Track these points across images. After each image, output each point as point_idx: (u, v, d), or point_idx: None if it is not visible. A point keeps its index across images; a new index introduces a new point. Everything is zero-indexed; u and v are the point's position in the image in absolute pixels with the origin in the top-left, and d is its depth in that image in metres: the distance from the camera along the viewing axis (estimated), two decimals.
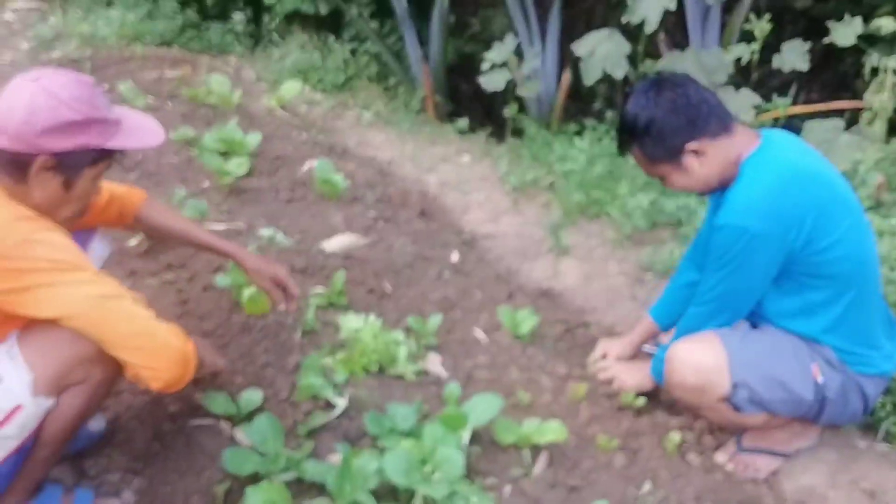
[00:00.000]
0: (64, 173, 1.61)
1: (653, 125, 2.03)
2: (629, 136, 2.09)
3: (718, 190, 2.12)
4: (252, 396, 2.17)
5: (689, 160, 2.05)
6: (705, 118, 2.02)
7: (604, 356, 2.56)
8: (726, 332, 2.11)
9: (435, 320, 2.55)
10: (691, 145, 2.03)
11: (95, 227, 2.05)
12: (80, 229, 2.03)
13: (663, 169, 2.11)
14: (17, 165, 1.57)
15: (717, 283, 2.08)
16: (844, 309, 2.04)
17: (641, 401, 2.37)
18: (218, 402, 2.12)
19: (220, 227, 3.02)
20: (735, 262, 2.00)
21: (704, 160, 2.05)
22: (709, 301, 2.13)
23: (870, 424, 2.36)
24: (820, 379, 2.05)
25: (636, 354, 2.56)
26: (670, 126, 2.02)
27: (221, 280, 2.60)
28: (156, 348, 1.62)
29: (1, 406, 1.58)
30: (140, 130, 1.71)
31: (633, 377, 2.42)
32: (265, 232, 2.98)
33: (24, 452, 1.70)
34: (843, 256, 2.00)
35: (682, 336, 2.19)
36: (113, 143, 1.64)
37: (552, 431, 2.08)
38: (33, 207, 1.61)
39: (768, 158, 2.02)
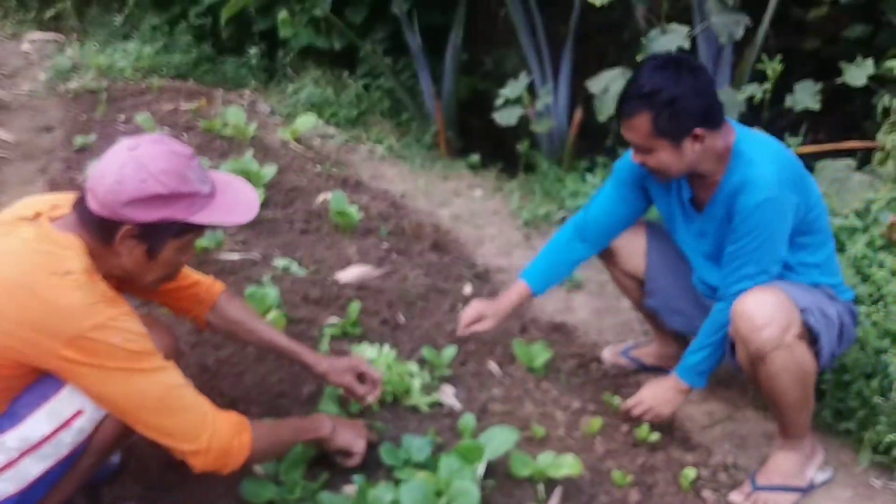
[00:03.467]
0: (147, 242, 1.63)
1: (676, 102, 2.09)
2: (645, 103, 2.11)
3: (685, 176, 2.29)
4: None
5: (689, 144, 2.15)
6: (717, 109, 2.17)
7: (478, 319, 2.53)
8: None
9: (449, 352, 2.55)
10: (698, 130, 2.13)
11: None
12: (149, 299, 2.08)
13: (660, 144, 2.16)
14: (105, 229, 1.60)
15: (760, 255, 2.18)
16: (828, 253, 2.33)
17: (656, 436, 2.36)
18: None
19: (236, 256, 3.04)
20: (770, 231, 2.16)
21: (700, 147, 2.16)
22: (754, 275, 2.19)
23: (885, 464, 2.35)
24: (832, 309, 2.24)
25: (508, 314, 2.59)
26: (691, 107, 2.11)
27: None
28: (200, 441, 1.64)
29: (63, 410, 1.62)
30: (232, 205, 1.70)
31: (667, 403, 2.38)
32: (280, 262, 3.00)
33: (68, 463, 1.71)
34: (822, 211, 2.29)
35: (719, 321, 2.25)
36: (197, 219, 1.64)
37: (567, 465, 2.07)
38: (119, 269, 1.66)
39: (758, 140, 2.23)
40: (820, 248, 2.31)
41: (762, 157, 2.16)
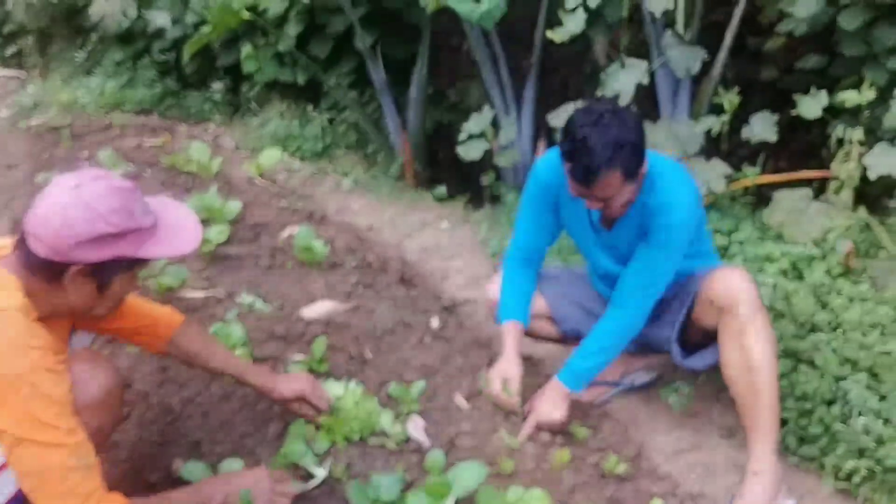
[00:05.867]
0: (97, 279, 1.64)
1: (635, 146, 2.20)
2: (612, 162, 2.16)
3: None
4: (232, 466, 2.15)
5: (639, 176, 2.27)
6: None
7: (504, 383, 2.54)
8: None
9: (417, 387, 2.55)
10: (645, 162, 2.26)
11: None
12: (107, 333, 2.07)
13: (627, 188, 2.27)
14: (53, 270, 1.59)
15: (666, 267, 2.40)
16: (709, 245, 2.65)
17: (624, 467, 2.37)
18: (197, 473, 2.09)
19: (200, 294, 3.02)
20: (677, 250, 2.38)
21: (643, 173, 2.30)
22: (651, 284, 2.42)
23: (847, 490, 2.38)
24: None
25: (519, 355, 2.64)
26: (642, 143, 2.23)
27: None
28: None
29: None
30: (175, 234, 1.70)
31: (556, 410, 2.48)
32: (245, 299, 2.99)
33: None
34: (704, 220, 2.56)
35: (611, 330, 2.49)
36: (145, 253, 1.65)
37: (535, 500, 2.07)
38: (65, 306, 1.64)
39: (667, 163, 2.41)
40: (705, 242, 2.63)
41: (678, 180, 2.35)
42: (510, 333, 2.63)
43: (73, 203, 1.55)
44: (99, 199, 1.57)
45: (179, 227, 1.73)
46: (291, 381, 2.25)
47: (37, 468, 1.55)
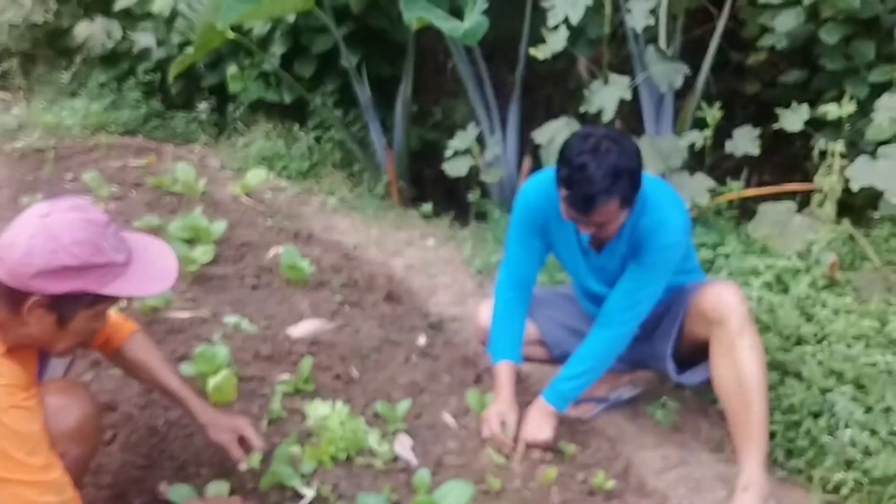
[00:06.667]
0: (57, 312, 1.59)
1: (633, 173, 2.20)
2: (610, 191, 2.16)
3: None
4: (218, 488, 2.12)
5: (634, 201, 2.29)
6: None
7: (502, 425, 2.50)
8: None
9: (404, 405, 2.54)
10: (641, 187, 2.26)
11: None
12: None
13: (623, 214, 2.28)
14: (13, 298, 1.55)
15: (654, 288, 2.41)
16: (695, 262, 2.67)
17: (612, 483, 2.37)
18: (183, 494, 2.07)
19: (185, 314, 3.00)
20: (665, 272, 2.39)
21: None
22: (638, 304, 2.43)
23: (835, 502, 2.37)
24: None
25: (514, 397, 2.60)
26: (640, 169, 2.23)
27: (186, 369, 2.57)
28: None
29: None
30: (147, 274, 1.65)
31: (542, 429, 2.48)
32: (231, 319, 2.97)
33: None
34: (691, 239, 2.58)
35: (596, 350, 2.49)
36: (110, 290, 1.60)
37: None
38: (28, 337, 1.60)
39: (658, 184, 2.44)
40: (692, 258, 2.65)
41: (668, 201, 2.37)
42: (504, 374, 2.60)
43: (38, 232, 1.52)
44: (65, 230, 1.53)
45: (153, 267, 1.67)
46: (230, 417, 2.15)
47: None
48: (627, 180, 2.18)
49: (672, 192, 2.45)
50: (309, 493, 2.14)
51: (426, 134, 5.49)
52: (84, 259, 1.54)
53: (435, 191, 5.25)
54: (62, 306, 1.58)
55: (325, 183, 5.06)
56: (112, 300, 1.67)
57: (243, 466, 2.08)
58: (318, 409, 2.42)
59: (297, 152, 5.24)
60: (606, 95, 3.59)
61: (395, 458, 2.36)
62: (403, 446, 2.40)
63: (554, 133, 3.76)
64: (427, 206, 4.72)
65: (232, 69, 5.39)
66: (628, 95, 3.59)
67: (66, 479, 1.58)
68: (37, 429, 1.54)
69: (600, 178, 2.13)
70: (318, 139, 5.42)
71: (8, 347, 1.57)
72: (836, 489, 2.36)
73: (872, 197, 3.19)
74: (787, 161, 4.32)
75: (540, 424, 2.48)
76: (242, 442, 2.10)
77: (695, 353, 2.52)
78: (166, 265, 1.70)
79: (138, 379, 2.14)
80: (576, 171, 2.17)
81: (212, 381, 2.46)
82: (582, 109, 3.71)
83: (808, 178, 3.48)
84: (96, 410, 1.94)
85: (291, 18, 5.06)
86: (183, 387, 2.10)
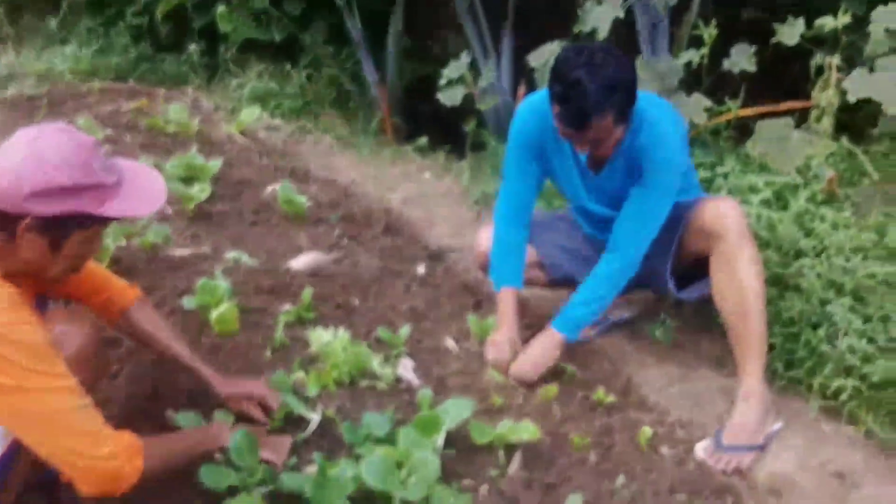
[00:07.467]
0: (50, 235, 1.58)
1: (632, 85, 2.18)
2: (604, 105, 2.13)
3: None
4: (224, 416, 2.15)
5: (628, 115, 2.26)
6: None
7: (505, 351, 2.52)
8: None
9: (405, 330, 2.56)
10: (636, 101, 2.24)
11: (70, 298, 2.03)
12: (60, 297, 2.02)
13: (619, 130, 2.26)
14: (6, 223, 1.54)
15: (660, 207, 2.40)
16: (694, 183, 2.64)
17: (612, 398, 2.40)
18: (191, 420, 2.10)
19: (186, 251, 3.01)
20: (672, 184, 2.37)
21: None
22: (646, 226, 2.42)
23: (834, 408, 2.41)
24: None
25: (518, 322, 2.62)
26: (636, 84, 2.21)
27: (189, 302, 2.59)
28: (87, 466, 1.57)
29: None
30: (138, 195, 1.64)
31: (547, 360, 2.49)
32: (231, 254, 2.98)
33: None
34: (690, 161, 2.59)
35: (608, 274, 2.48)
36: (103, 211, 1.59)
37: (526, 431, 2.10)
38: (21, 263, 1.60)
39: (649, 98, 2.39)
40: (691, 177, 2.63)
41: (666, 117, 2.34)
42: (507, 301, 2.60)
43: (29, 154, 1.51)
44: (54, 151, 1.52)
45: (143, 189, 1.67)
46: (244, 384, 2.18)
47: (37, 416, 1.52)
48: (623, 93, 2.16)
49: (669, 107, 2.42)
50: (315, 417, 2.17)
51: (419, 68, 5.41)
52: (75, 179, 1.53)
53: (430, 126, 5.19)
54: (55, 229, 1.57)
55: (320, 121, 5.02)
56: (104, 222, 1.66)
57: (268, 426, 2.12)
58: (320, 336, 2.44)
59: (290, 91, 5.17)
60: (600, 14, 3.53)
61: (398, 380, 2.39)
62: (406, 368, 2.42)
63: (549, 56, 3.70)
64: (422, 141, 4.68)
65: (221, 9, 5.29)
66: (621, 14, 3.53)
67: (82, 388, 1.60)
68: (45, 340, 1.55)
69: (595, 92, 2.11)
70: (310, 77, 5.35)
71: (5, 273, 1.58)
72: (836, 395, 2.39)
73: (871, 115, 3.16)
74: (785, 84, 4.27)
75: (548, 357, 2.49)
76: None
77: (693, 270, 2.52)
78: (155, 185, 1.70)
79: (148, 348, 2.15)
80: (570, 86, 2.13)
81: (214, 313, 2.48)
82: (576, 29, 3.64)
83: (806, 99, 3.44)
84: (99, 336, 1.96)
85: None
86: (194, 358, 2.13)
